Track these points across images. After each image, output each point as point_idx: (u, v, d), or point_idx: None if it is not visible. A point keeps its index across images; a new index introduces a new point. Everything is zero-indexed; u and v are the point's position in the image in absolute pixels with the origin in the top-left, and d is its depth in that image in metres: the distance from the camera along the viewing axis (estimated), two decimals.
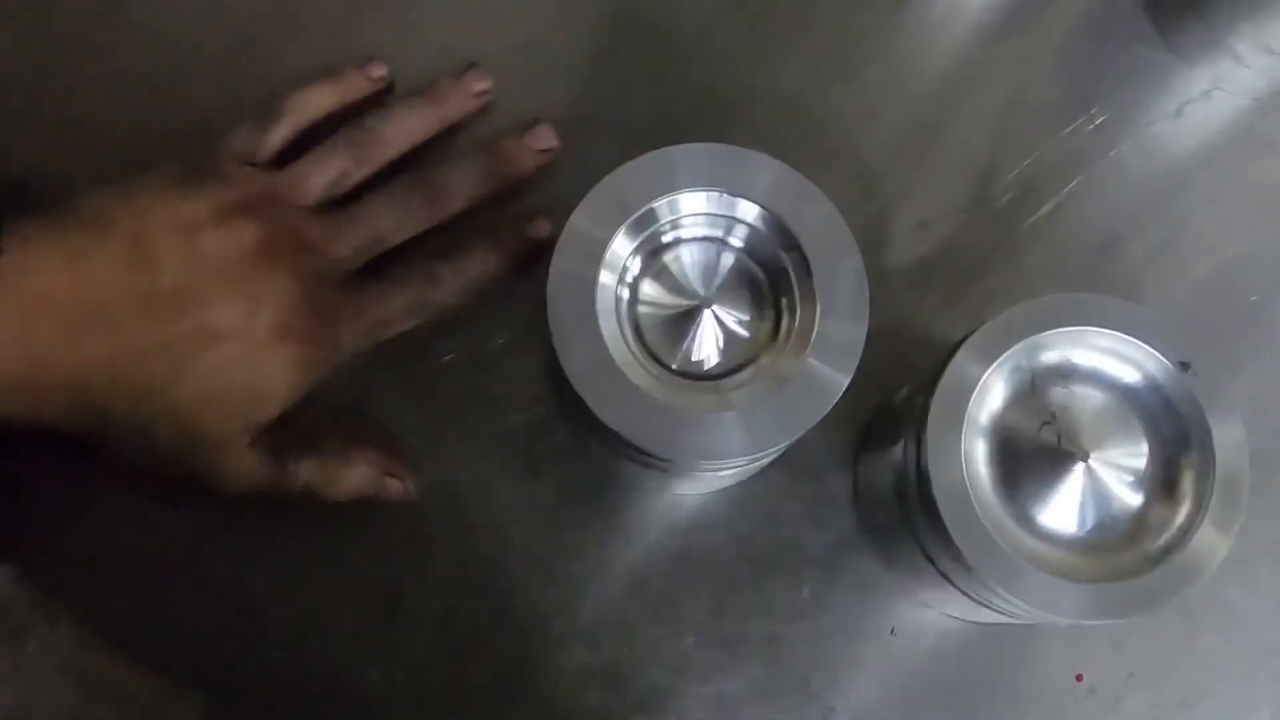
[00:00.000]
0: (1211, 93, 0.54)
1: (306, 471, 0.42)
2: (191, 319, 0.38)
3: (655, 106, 0.51)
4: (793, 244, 0.37)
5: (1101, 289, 0.50)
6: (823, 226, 0.37)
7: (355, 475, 0.43)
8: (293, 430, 0.41)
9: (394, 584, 0.45)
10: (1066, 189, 0.51)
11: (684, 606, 0.46)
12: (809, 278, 0.37)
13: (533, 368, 0.47)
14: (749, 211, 0.38)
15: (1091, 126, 0.52)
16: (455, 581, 0.45)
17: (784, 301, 0.38)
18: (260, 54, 0.50)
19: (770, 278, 0.38)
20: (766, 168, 0.38)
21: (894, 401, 0.45)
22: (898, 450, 0.40)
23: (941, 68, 0.53)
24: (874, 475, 0.44)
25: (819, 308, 0.36)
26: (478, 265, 0.45)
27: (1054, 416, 0.38)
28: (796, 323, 0.37)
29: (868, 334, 0.36)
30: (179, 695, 0.43)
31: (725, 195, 0.37)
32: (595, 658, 0.45)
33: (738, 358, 0.38)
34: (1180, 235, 0.51)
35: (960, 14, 0.54)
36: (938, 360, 0.39)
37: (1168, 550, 0.36)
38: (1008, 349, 0.37)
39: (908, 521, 0.39)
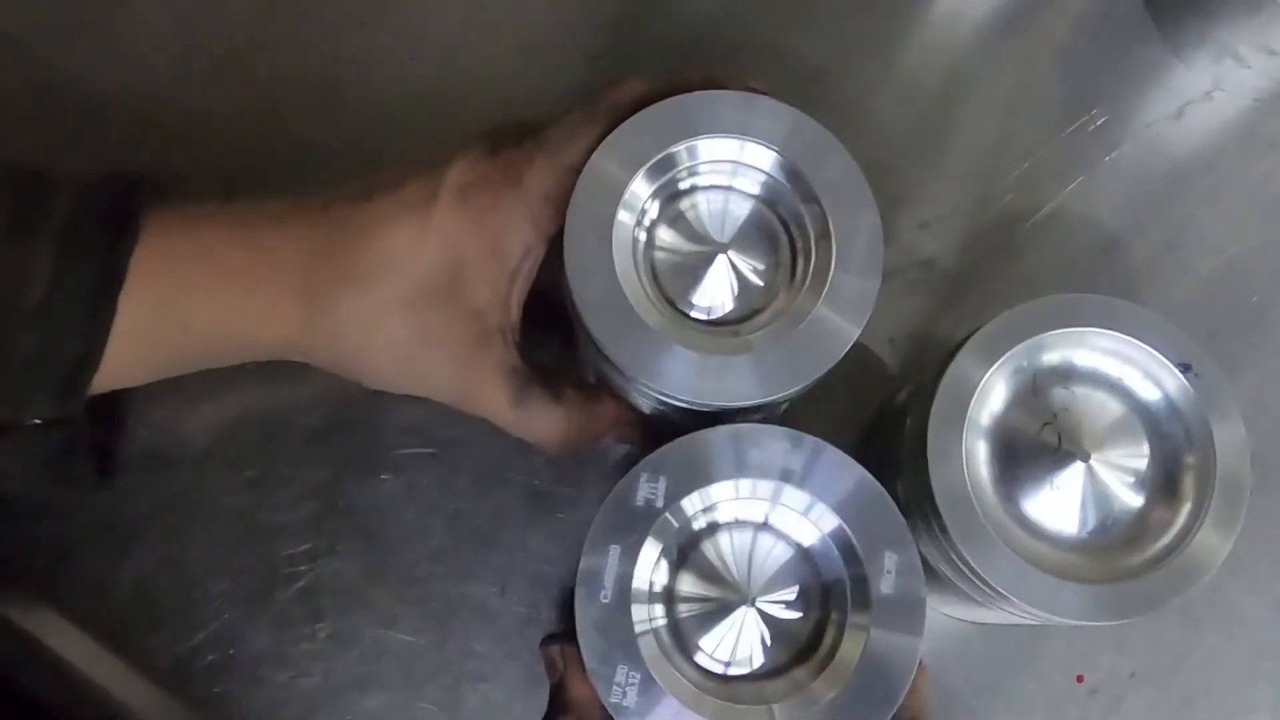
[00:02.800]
0: (1213, 93, 0.54)
1: (545, 424, 0.40)
2: (384, 197, 0.38)
3: None
4: (810, 195, 0.37)
5: (1102, 289, 0.50)
6: (842, 179, 0.37)
7: (595, 431, 0.41)
8: (539, 380, 0.39)
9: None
10: (1067, 189, 0.51)
11: None
12: (826, 228, 0.37)
13: None
14: (767, 160, 0.38)
15: (1092, 127, 0.52)
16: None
17: (799, 247, 0.38)
18: (261, 54, 0.50)
19: (787, 226, 0.38)
20: (787, 117, 0.38)
21: (895, 402, 0.45)
22: (898, 451, 0.40)
23: (942, 68, 0.53)
24: (874, 476, 0.44)
25: (834, 257, 0.36)
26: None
27: (1055, 417, 0.38)
28: (811, 270, 0.37)
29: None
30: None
31: (745, 143, 0.37)
32: None
33: (752, 304, 0.38)
34: (1181, 236, 0.51)
35: (960, 14, 0.54)
36: (939, 361, 0.39)
37: (1169, 551, 0.36)
38: (1009, 350, 0.37)
39: (908, 522, 0.39)
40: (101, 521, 0.45)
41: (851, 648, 0.35)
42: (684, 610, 0.36)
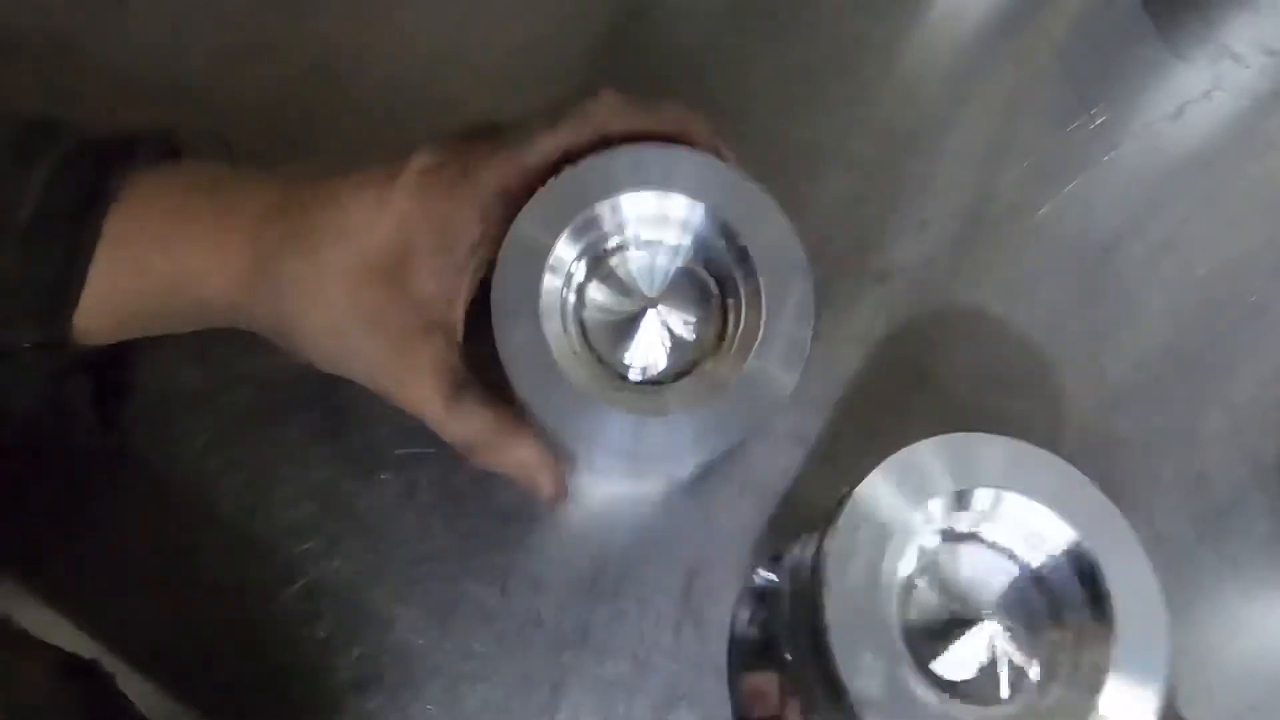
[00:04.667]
0: (1211, 93, 0.54)
1: (477, 422, 0.38)
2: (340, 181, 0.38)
3: None
4: (739, 251, 0.37)
5: (1102, 289, 0.50)
6: (771, 233, 0.37)
7: (521, 453, 0.39)
8: (477, 382, 0.39)
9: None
10: (1066, 189, 0.51)
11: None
12: (757, 284, 0.37)
13: None
14: (695, 216, 0.38)
15: (1091, 126, 0.52)
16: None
17: (731, 301, 0.38)
18: (260, 53, 0.50)
19: (718, 281, 0.38)
20: (713, 171, 0.37)
21: None
22: None
23: (941, 68, 0.53)
24: None
25: (765, 311, 0.36)
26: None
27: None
28: (743, 324, 0.37)
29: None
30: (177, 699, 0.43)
31: (668, 197, 0.37)
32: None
33: (686, 360, 0.38)
34: (1180, 235, 0.51)
35: (960, 14, 0.54)
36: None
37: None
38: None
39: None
40: (99, 520, 0.45)
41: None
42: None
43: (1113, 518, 0.34)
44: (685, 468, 0.37)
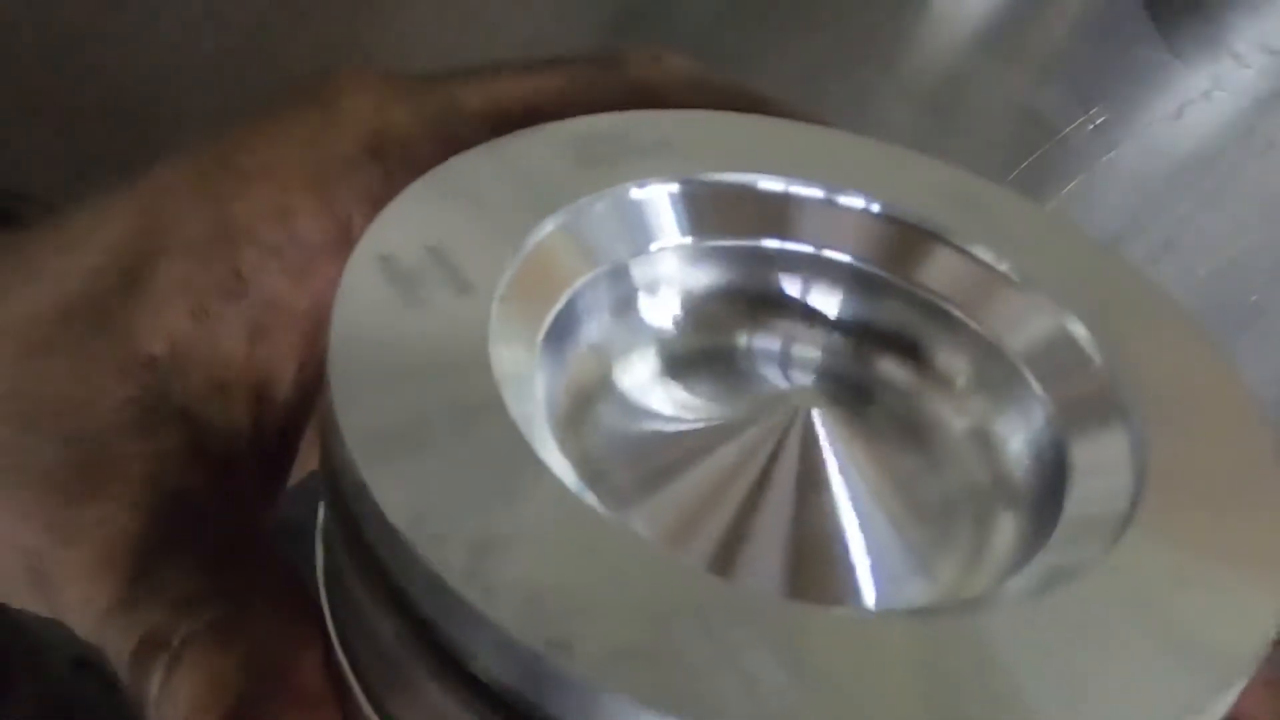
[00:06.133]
0: (1211, 93, 0.54)
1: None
2: None
3: None
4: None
5: None
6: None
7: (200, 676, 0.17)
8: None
9: None
10: (1066, 189, 0.51)
11: None
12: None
13: None
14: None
15: (1091, 126, 0.52)
16: None
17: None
18: (260, 54, 0.50)
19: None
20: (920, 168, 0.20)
21: None
22: None
23: (941, 68, 0.53)
24: None
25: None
26: None
27: None
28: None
29: None
30: None
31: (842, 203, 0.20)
32: None
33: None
34: (1181, 235, 0.51)
35: (960, 14, 0.54)
36: None
37: None
38: None
39: None
40: None
41: None
42: None
43: None
44: None
